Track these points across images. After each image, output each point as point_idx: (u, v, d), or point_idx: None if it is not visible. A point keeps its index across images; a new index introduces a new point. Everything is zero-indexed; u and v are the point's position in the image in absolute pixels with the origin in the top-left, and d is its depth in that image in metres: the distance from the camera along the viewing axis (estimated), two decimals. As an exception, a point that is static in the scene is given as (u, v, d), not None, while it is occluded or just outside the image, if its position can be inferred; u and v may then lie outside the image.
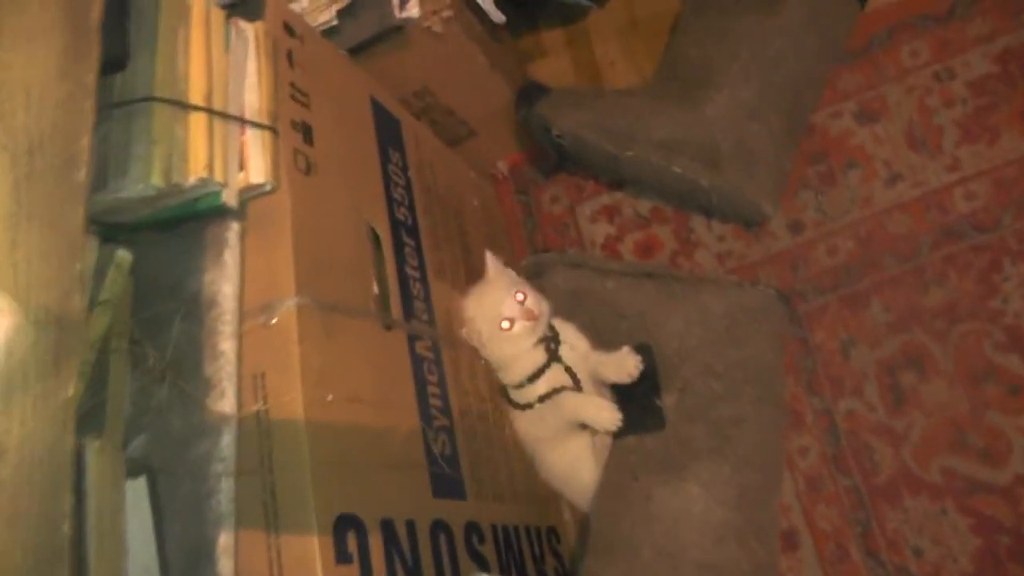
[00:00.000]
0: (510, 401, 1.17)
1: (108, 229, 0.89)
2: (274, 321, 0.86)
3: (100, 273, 0.87)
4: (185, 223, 0.91)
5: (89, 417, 0.84)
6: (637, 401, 1.13)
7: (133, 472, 0.84)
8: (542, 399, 1.13)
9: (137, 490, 0.83)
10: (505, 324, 1.09)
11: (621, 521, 1.09)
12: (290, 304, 0.86)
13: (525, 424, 1.17)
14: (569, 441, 1.16)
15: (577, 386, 1.13)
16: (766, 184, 1.19)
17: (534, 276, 1.22)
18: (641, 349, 1.14)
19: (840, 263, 1.22)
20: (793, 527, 1.15)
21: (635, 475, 1.10)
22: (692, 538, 1.05)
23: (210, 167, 0.84)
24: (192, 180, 0.83)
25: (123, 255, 0.88)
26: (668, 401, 1.11)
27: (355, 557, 0.83)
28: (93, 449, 0.78)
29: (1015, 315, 1.12)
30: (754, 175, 1.19)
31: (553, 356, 1.13)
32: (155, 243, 0.92)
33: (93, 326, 0.85)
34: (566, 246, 1.36)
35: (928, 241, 1.19)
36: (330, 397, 0.86)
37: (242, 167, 0.89)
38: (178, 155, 0.82)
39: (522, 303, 1.09)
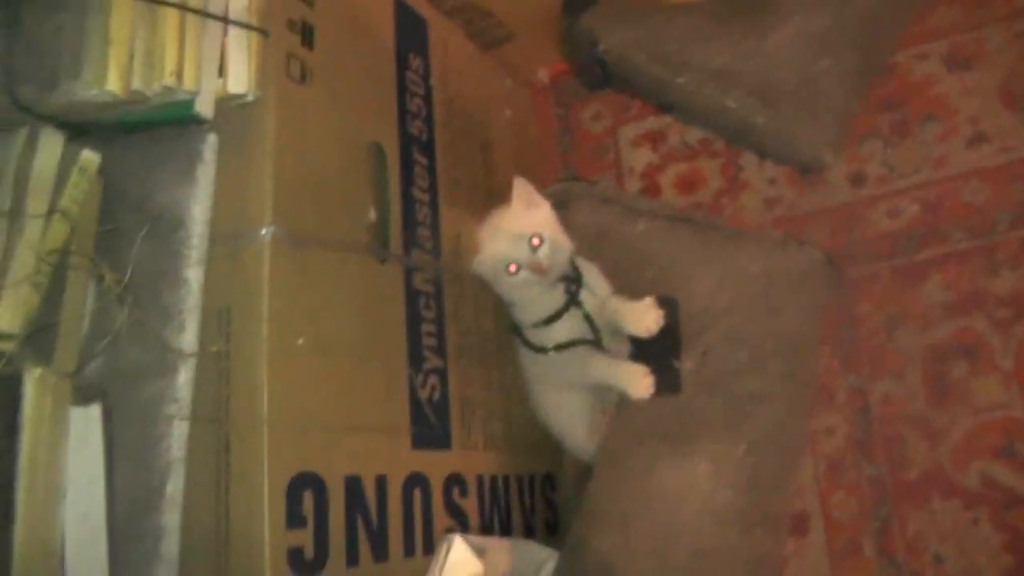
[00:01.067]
0: (523, 339, 1.07)
1: (76, 127, 0.80)
2: (244, 251, 0.77)
3: (62, 176, 0.78)
4: (160, 128, 0.81)
5: (40, 338, 0.77)
6: (653, 359, 1.02)
7: (87, 398, 0.77)
8: (559, 348, 1.03)
9: (90, 419, 0.76)
10: (512, 268, 0.98)
11: (619, 489, 1.00)
12: (264, 234, 0.77)
13: (532, 364, 1.08)
14: (575, 395, 1.07)
15: (596, 337, 1.03)
16: (829, 128, 1.05)
17: (559, 206, 1.10)
18: (665, 303, 1.03)
19: (901, 228, 1.08)
20: (805, 511, 1.06)
21: (640, 440, 1.01)
22: (692, 519, 0.96)
23: (179, 73, 0.73)
24: (156, 88, 0.73)
25: (89, 157, 0.79)
26: (687, 365, 1.01)
27: (309, 520, 0.76)
28: (33, 378, 0.71)
29: (1094, 314, 0.98)
30: (816, 117, 1.04)
31: (572, 300, 1.03)
32: (127, 147, 0.83)
33: (49, 235, 0.77)
34: (600, 171, 1.22)
35: (1007, 218, 1.03)
36: (301, 341, 0.78)
37: (222, 73, 0.78)
38: (141, 59, 0.71)
39: (536, 248, 0.98)
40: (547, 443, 1.13)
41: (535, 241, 0.98)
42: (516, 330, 1.07)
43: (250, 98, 0.79)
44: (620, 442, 1.03)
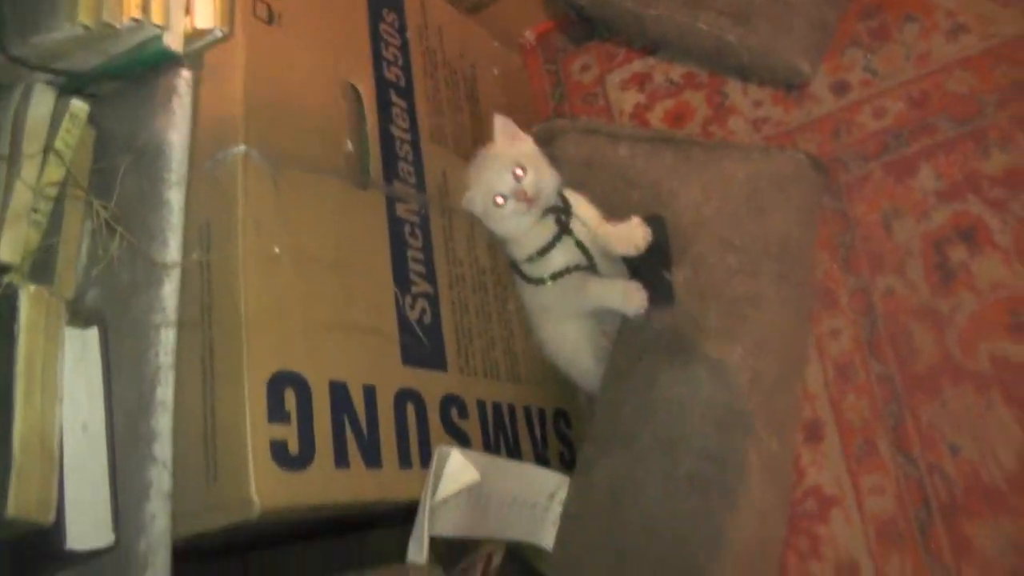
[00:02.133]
0: (520, 273, 1.10)
1: (70, 82, 0.88)
2: (220, 169, 0.84)
3: (55, 122, 0.86)
4: (142, 75, 0.89)
5: (39, 270, 0.84)
6: (645, 275, 1.04)
7: (87, 323, 0.84)
8: (555, 277, 1.06)
9: (87, 340, 0.83)
10: (499, 200, 1.02)
11: (622, 407, 1.02)
12: (236, 152, 0.84)
13: (532, 298, 1.11)
14: (576, 324, 1.09)
15: (591, 263, 1.06)
16: (803, 40, 1.07)
17: (545, 143, 1.14)
18: (653, 220, 1.05)
19: (888, 126, 1.08)
20: (818, 418, 1.05)
21: (640, 356, 1.03)
22: (695, 425, 0.97)
23: (145, 8, 0.81)
24: (125, 21, 0.81)
25: (78, 105, 0.87)
26: (679, 276, 1.03)
27: (292, 417, 0.81)
28: (28, 293, 0.78)
29: (1090, 183, 0.97)
30: (790, 30, 1.07)
31: (564, 229, 1.06)
32: (114, 96, 0.91)
33: (45, 174, 0.85)
34: (593, 116, 1.27)
35: (994, 100, 1.03)
36: (277, 250, 0.83)
37: (188, 11, 0.86)
38: (110, -3, 0.80)
39: (520, 179, 1.02)
40: (556, 380, 1.16)
41: (518, 171, 1.02)
42: (513, 266, 1.10)
43: (218, 34, 0.86)
44: (621, 362, 1.05)
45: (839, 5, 1.11)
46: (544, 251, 1.06)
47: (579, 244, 1.06)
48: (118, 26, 0.80)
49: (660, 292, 1.03)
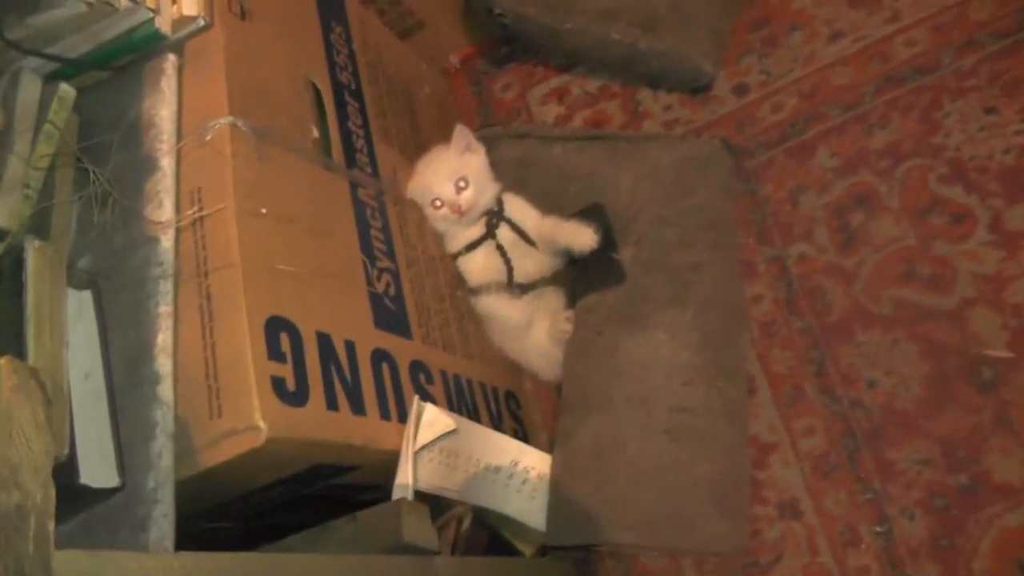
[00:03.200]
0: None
1: (56, 72, 0.99)
2: (208, 138, 0.96)
3: (44, 105, 0.97)
4: (128, 65, 1.01)
5: (36, 228, 0.94)
6: (595, 259, 1.21)
7: (80, 285, 0.93)
8: (473, 291, 1.25)
9: (83, 300, 0.92)
10: (436, 203, 1.19)
11: (591, 377, 1.16)
12: (223, 122, 0.95)
13: (478, 300, 1.27)
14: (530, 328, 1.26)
15: (508, 267, 1.23)
16: (704, 44, 1.28)
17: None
18: (593, 209, 1.22)
19: (785, 118, 1.30)
20: (749, 373, 1.21)
21: (599, 331, 1.18)
22: (661, 382, 1.12)
23: (140, -9, 0.95)
24: (124, 1, 0.93)
25: (66, 88, 0.98)
26: (625, 255, 1.19)
27: (288, 357, 0.90)
28: (32, 247, 0.87)
29: (956, 148, 1.19)
30: (691, 35, 1.28)
31: (490, 232, 1.23)
32: (97, 86, 1.03)
33: (37, 149, 0.95)
34: (521, 125, 1.45)
35: (871, 89, 1.26)
36: (263, 210, 0.95)
37: (175, 1, 1.00)
38: (108, -22, 0.93)
39: (460, 191, 1.19)
40: (504, 364, 1.29)
41: (461, 184, 1.19)
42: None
43: (201, 23, 1.00)
44: (581, 340, 1.20)
45: (731, 17, 1.33)
46: (470, 248, 1.23)
47: (500, 248, 1.23)
48: (117, 5, 0.93)
49: (612, 273, 1.19)
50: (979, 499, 1.09)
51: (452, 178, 1.19)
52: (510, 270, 1.23)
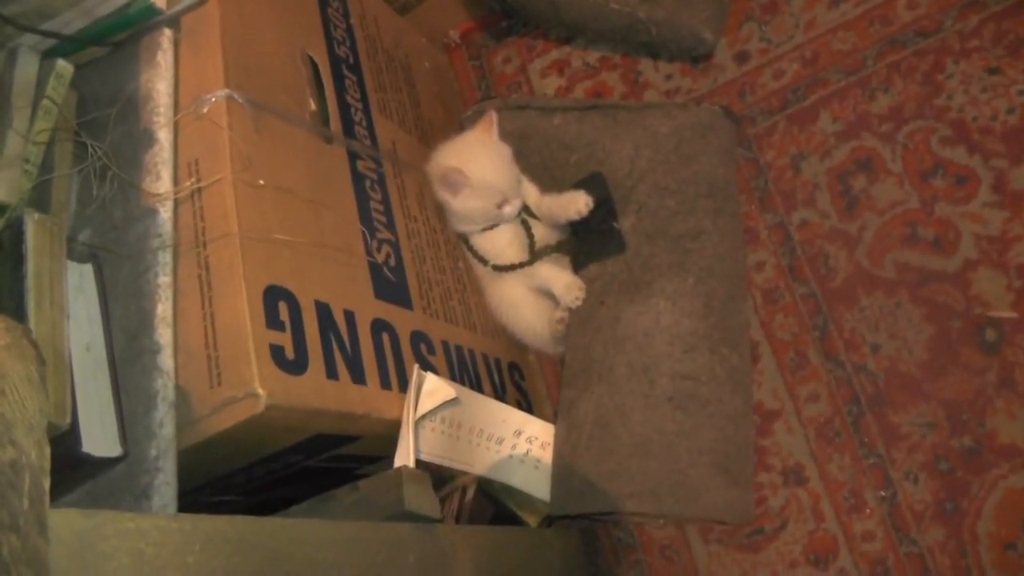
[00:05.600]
0: (469, 248, 1.26)
1: (52, 49, 1.01)
2: (205, 110, 0.97)
3: (42, 81, 0.98)
4: (124, 40, 1.02)
5: (36, 202, 0.95)
6: (596, 228, 1.21)
7: (80, 258, 0.94)
8: (498, 268, 1.24)
9: (84, 273, 0.94)
10: (503, 203, 1.20)
11: (593, 347, 1.17)
12: (220, 95, 0.97)
13: (482, 272, 1.27)
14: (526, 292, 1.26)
15: (530, 238, 1.23)
16: (704, 11, 1.28)
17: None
18: (593, 178, 1.23)
19: (786, 84, 1.30)
20: (752, 340, 1.22)
21: (601, 300, 1.18)
22: (663, 350, 1.12)
23: (135, -35, 0.96)
24: (118, -28, 0.95)
25: (63, 65, 0.99)
26: (626, 224, 1.19)
27: (287, 326, 0.91)
28: (32, 220, 0.89)
29: (959, 110, 1.19)
30: (690, 3, 1.28)
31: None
32: (94, 63, 1.04)
33: (35, 124, 0.96)
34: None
35: (872, 53, 1.26)
36: (261, 182, 0.96)
37: (169, -25, 1.01)
38: (103, -50, 0.94)
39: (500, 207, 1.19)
40: (507, 335, 1.31)
41: (503, 204, 1.19)
42: (464, 239, 1.26)
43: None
44: (583, 311, 1.21)
45: (732, -18, 1.34)
46: (492, 226, 1.23)
47: (524, 221, 1.23)
48: (113, -23, 0.94)
49: (613, 242, 1.19)
50: (984, 461, 1.09)
51: (514, 172, 1.21)
52: (532, 244, 1.23)
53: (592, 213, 1.20)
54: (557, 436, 1.17)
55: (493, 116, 1.21)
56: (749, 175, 1.28)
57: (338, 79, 1.17)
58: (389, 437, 1.00)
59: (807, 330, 1.20)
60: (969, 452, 1.10)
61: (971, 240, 1.15)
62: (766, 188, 1.27)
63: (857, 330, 1.17)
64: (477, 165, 1.18)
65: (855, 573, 1.13)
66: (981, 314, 1.13)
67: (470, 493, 1.14)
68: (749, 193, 1.27)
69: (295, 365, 0.90)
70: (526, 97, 1.41)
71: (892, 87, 1.23)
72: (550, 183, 1.25)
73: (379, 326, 1.05)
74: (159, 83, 0.98)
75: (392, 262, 1.12)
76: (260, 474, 1.01)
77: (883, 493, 1.13)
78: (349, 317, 1.00)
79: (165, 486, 0.84)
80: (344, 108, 1.16)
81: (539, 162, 1.27)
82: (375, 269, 1.08)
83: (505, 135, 1.27)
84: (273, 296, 0.91)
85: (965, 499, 1.09)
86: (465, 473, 1.13)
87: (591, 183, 1.22)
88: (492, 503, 1.17)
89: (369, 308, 1.04)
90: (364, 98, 1.21)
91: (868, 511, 1.14)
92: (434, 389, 1.04)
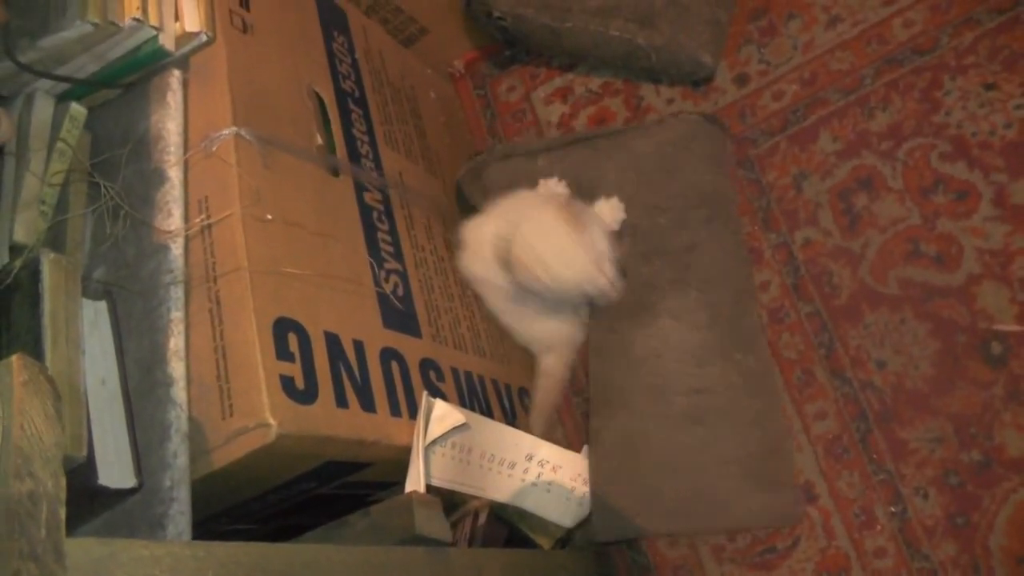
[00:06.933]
0: None
1: (67, 92, 1.05)
2: (215, 148, 1.00)
3: (56, 124, 1.02)
4: (135, 82, 1.06)
5: (51, 242, 0.99)
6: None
7: (95, 295, 0.98)
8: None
9: (98, 310, 0.97)
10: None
11: (611, 376, 1.20)
12: (228, 133, 1.00)
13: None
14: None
15: None
16: (702, 36, 1.31)
17: (474, 179, 1.35)
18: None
19: (786, 105, 1.32)
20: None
21: (611, 328, 1.21)
22: (675, 367, 1.15)
23: (144, 10, 1.00)
24: (127, 20, 0.98)
25: (77, 108, 1.03)
26: (622, 249, 1.22)
27: (297, 356, 0.94)
28: (48, 260, 0.92)
29: (957, 125, 1.21)
30: (689, 28, 1.30)
31: None
32: (106, 105, 1.08)
33: (50, 169, 1.00)
34: (523, 130, 1.49)
35: (870, 72, 1.28)
36: (269, 216, 0.99)
37: (178, 17, 1.05)
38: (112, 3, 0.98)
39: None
40: (517, 360, 1.33)
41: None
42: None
43: (204, 38, 1.04)
44: (597, 340, 1.24)
45: (729, 7, 1.36)
46: None
47: None
48: (121, 24, 0.97)
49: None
50: (993, 475, 1.11)
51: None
52: None
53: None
54: (590, 465, 1.19)
55: (558, 188, 1.24)
56: (752, 195, 1.31)
57: (344, 113, 1.21)
58: (400, 463, 1.03)
59: (813, 348, 1.22)
60: (978, 466, 1.11)
61: (974, 255, 1.17)
62: (768, 208, 1.29)
63: (863, 347, 1.19)
64: (556, 263, 1.12)
65: (868, 590, 1.15)
66: (986, 328, 1.14)
67: (483, 517, 1.16)
68: (752, 214, 1.29)
69: (305, 395, 0.93)
70: (509, 145, 1.44)
71: (891, 105, 1.26)
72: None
73: (388, 355, 1.07)
74: (169, 123, 1.02)
75: (400, 291, 1.15)
76: (273, 502, 1.03)
77: (893, 509, 1.14)
78: (359, 347, 1.03)
79: (180, 515, 0.87)
80: (350, 141, 1.19)
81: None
82: (383, 299, 1.11)
83: (499, 186, 1.29)
84: (283, 328, 0.94)
85: (976, 513, 1.11)
86: (477, 497, 1.15)
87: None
88: (505, 526, 1.19)
89: (378, 337, 1.07)
90: (370, 131, 1.24)
91: (879, 527, 1.15)
92: (443, 415, 1.07)
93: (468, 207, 1.36)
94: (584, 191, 1.27)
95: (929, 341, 1.16)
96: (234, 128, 1.00)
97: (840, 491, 1.17)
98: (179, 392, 0.92)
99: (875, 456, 1.16)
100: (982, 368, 1.13)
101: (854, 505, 1.17)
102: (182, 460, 0.89)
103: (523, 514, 1.19)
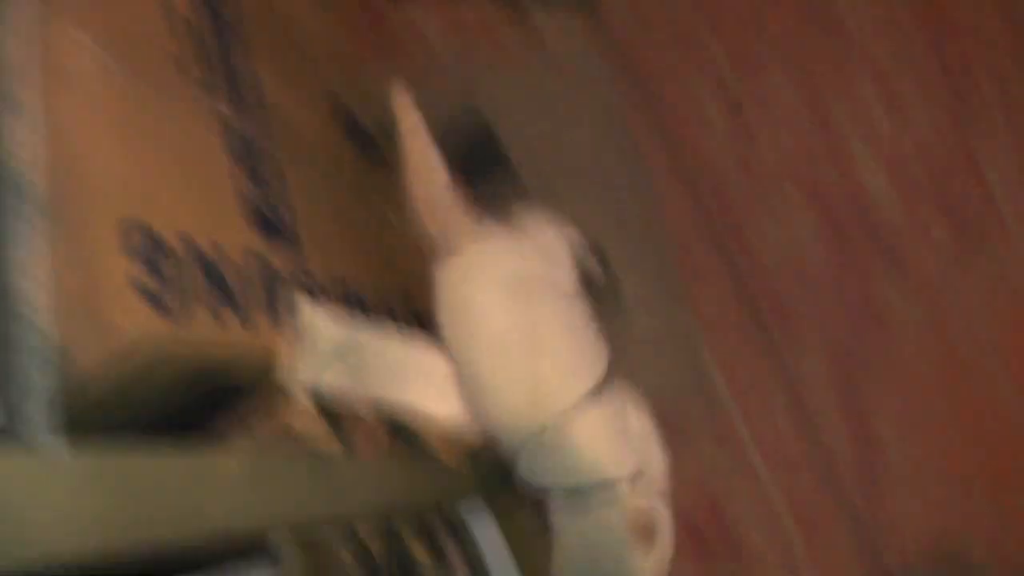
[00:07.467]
0: None
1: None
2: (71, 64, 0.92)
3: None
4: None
5: None
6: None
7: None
8: None
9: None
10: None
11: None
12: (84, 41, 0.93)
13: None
14: None
15: None
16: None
17: None
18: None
19: None
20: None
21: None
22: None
23: None
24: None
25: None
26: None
27: (157, 264, 0.88)
28: None
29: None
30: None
31: None
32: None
33: None
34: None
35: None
36: (125, 125, 0.93)
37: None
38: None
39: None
40: (408, 279, 1.33)
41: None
42: None
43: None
44: None
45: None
46: None
47: None
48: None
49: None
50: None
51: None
52: None
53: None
54: None
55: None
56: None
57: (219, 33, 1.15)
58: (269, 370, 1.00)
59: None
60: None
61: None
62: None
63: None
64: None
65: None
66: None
67: (373, 424, 1.14)
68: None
69: (166, 304, 0.88)
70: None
71: None
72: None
73: (260, 261, 1.03)
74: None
75: (274, 196, 1.11)
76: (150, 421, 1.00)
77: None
78: (220, 251, 0.98)
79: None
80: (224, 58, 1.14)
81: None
82: (250, 203, 1.07)
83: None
84: (140, 234, 0.89)
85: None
86: (365, 403, 1.13)
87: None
88: (399, 434, 1.18)
89: (243, 240, 1.02)
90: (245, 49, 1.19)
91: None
92: (324, 323, 1.05)
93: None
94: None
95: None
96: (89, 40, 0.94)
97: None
98: (34, 312, 0.87)
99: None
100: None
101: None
102: (45, 383, 0.85)
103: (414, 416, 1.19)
